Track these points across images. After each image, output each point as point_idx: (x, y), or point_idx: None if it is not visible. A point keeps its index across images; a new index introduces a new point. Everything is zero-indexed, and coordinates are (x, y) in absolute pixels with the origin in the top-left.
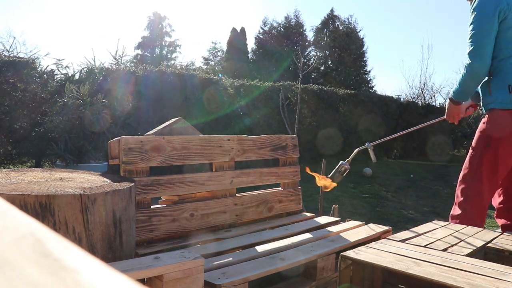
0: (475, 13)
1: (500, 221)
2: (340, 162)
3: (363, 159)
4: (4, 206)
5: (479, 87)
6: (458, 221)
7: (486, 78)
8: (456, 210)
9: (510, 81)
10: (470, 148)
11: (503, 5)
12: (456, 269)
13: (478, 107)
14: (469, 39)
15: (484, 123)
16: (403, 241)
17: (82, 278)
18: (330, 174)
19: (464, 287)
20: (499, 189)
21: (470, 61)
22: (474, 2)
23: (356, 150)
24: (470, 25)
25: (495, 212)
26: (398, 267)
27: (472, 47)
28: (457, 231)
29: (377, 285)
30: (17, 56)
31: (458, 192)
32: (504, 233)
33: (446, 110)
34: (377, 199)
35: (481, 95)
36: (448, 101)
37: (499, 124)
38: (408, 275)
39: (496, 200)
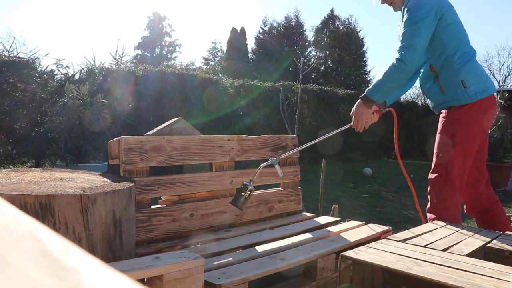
0: (410, 11)
1: (473, 216)
2: (244, 183)
3: (363, 159)
4: (4, 206)
5: (427, 88)
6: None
7: (433, 78)
8: (432, 215)
9: (462, 77)
10: (435, 152)
11: (438, 3)
12: (456, 269)
13: (382, 112)
14: (402, 35)
15: (442, 123)
16: (403, 241)
17: (82, 278)
18: (233, 199)
19: (464, 287)
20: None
21: (402, 53)
22: (407, 3)
23: (260, 167)
24: (404, 22)
25: (465, 207)
26: (398, 267)
27: (405, 42)
28: (457, 231)
29: (377, 285)
30: (17, 56)
31: (432, 196)
32: (504, 233)
33: (355, 115)
34: (377, 199)
35: (429, 97)
36: (358, 102)
37: (460, 121)
38: (408, 275)
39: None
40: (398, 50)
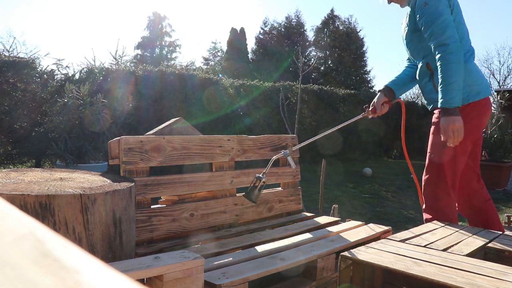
0: (428, 5)
1: (465, 215)
2: (256, 175)
3: (363, 159)
4: (4, 206)
5: (423, 84)
6: None
7: (428, 76)
8: (427, 215)
9: None
10: (428, 152)
11: None
12: (456, 269)
13: (392, 103)
14: (431, 34)
15: (435, 124)
16: (403, 241)
17: (82, 278)
18: (246, 193)
19: (464, 287)
20: None
21: (447, 45)
22: None
23: (272, 160)
24: (427, 16)
25: (457, 204)
26: (398, 267)
27: (441, 37)
28: (457, 231)
29: (377, 285)
30: (17, 56)
31: (426, 196)
32: (504, 233)
33: (446, 131)
34: (377, 199)
35: (423, 93)
36: (445, 119)
37: None
38: (408, 275)
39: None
40: (437, 47)
